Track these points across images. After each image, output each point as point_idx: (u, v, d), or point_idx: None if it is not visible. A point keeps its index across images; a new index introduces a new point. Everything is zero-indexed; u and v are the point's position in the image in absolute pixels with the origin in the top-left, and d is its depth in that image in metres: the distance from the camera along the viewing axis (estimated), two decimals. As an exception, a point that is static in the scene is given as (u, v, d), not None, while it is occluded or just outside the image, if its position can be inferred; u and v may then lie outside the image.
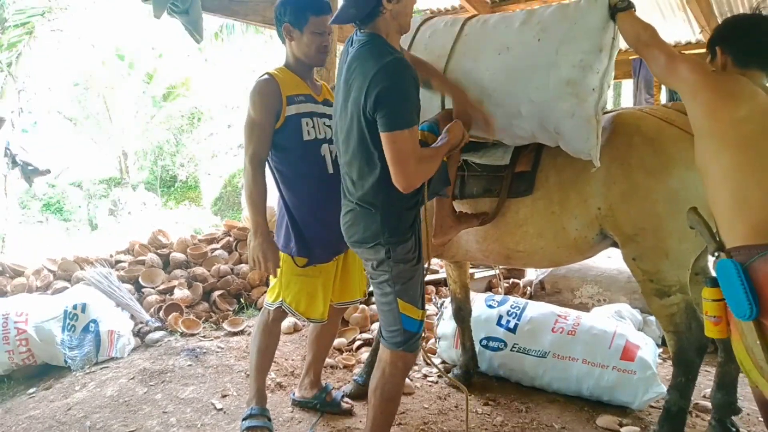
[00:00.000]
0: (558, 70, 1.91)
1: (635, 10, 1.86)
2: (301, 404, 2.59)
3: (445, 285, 3.87)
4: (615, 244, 2.23)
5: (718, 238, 1.49)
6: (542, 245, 2.28)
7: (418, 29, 2.32)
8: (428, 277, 4.26)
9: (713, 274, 1.48)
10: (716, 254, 1.46)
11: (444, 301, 3.26)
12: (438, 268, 4.32)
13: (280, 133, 2.16)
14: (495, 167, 2.28)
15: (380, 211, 1.76)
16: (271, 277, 2.33)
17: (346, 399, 2.62)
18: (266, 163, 2.19)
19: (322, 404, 2.54)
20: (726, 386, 2.32)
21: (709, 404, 2.67)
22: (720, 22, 1.88)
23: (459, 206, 2.36)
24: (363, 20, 1.71)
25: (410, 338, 1.84)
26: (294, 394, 2.64)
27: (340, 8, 1.73)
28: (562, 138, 2.02)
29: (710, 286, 1.47)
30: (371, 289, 1.97)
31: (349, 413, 2.54)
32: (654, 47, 1.73)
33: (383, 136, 1.61)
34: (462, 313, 2.88)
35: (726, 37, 1.74)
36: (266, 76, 2.17)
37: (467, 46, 2.14)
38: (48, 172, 7.95)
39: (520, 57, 2.00)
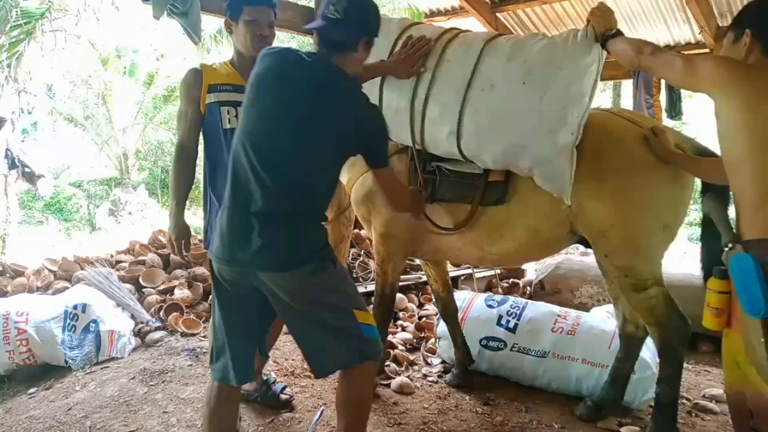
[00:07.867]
0: (542, 119, 1.91)
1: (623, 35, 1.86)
2: (244, 398, 2.50)
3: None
4: (581, 241, 2.28)
5: (734, 229, 1.44)
6: (516, 246, 2.29)
7: (398, 38, 2.22)
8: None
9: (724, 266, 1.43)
10: (730, 245, 1.41)
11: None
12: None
13: (204, 122, 2.22)
14: (468, 174, 2.28)
15: (320, 218, 1.72)
16: None
17: (285, 391, 2.60)
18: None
19: (262, 396, 2.55)
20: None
21: (709, 404, 2.68)
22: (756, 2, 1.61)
23: (431, 210, 2.34)
24: (336, 48, 1.68)
25: (377, 342, 1.72)
26: None
27: (326, 25, 1.66)
28: (538, 177, 2.04)
29: (719, 278, 1.45)
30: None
31: (287, 405, 2.54)
32: (663, 53, 1.66)
33: (380, 171, 1.81)
34: (448, 311, 2.88)
35: (765, 21, 1.52)
36: (192, 67, 2.25)
37: (448, 76, 2.07)
38: (42, 176, 7.97)
39: (504, 99, 1.98)
